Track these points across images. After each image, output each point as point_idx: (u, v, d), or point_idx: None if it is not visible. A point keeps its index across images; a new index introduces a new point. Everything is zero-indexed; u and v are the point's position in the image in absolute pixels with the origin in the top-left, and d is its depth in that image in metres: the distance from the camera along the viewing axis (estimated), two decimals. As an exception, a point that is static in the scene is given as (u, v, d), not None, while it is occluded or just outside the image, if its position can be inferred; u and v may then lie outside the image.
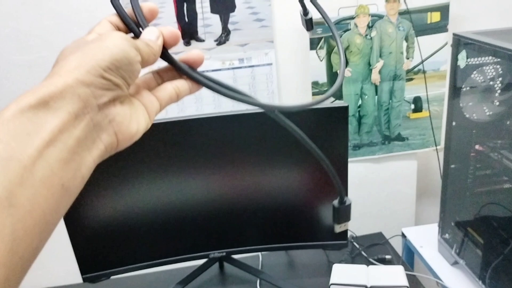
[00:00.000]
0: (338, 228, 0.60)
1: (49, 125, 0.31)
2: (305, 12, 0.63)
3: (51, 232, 0.32)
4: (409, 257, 1.36)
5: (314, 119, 1.06)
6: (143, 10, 0.39)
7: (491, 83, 1.01)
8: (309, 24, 0.64)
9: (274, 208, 1.13)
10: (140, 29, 0.39)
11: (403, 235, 1.36)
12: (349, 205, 0.58)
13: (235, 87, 0.41)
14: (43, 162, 0.30)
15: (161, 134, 1.03)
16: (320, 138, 1.04)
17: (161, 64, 0.42)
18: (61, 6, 1.30)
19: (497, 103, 1.01)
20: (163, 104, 0.41)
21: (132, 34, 0.40)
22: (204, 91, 0.42)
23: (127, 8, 0.39)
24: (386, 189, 1.60)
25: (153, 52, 0.38)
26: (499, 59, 0.97)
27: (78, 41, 0.36)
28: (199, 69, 0.42)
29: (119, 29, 0.40)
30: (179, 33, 0.40)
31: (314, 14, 1.34)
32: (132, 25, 0.39)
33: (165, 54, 0.39)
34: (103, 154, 0.35)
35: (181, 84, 0.41)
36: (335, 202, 0.58)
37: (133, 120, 0.37)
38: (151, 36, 0.38)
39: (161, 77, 0.42)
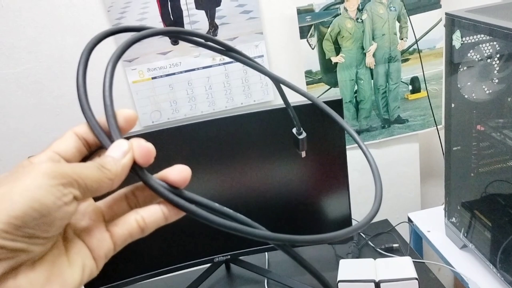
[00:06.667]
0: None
1: None
2: (299, 131, 0.58)
3: None
4: (417, 243, 1.34)
5: (309, 111, 1.03)
6: (118, 119, 0.32)
7: (488, 60, 0.97)
8: (303, 144, 0.60)
9: (277, 207, 1.11)
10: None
11: (410, 220, 1.34)
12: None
13: (231, 212, 0.33)
14: None
15: (160, 138, 1.01)
16: (316, 129, 1.02)
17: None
18: (42, 16, 1.26)
19: (497, 81, 0.98)
20: (119, 243, 0.32)
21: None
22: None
23: (102, 116, 0.33)
24: (389, 173, 1.57)
25: (107, 177, 0.30)
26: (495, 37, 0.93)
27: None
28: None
29: (86, 141, 0.33)
30: (153, 150, 0.32)
31: (300, 2, 1.30)
32: (102, 136, 0.32)
33: (135, 171, 0.32)
34: None
35: (152, 212, 0.33)
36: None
37: (58, 278, 0.28)
38: (116, 152, 0.31)
39: (136, 197, 0.34)
